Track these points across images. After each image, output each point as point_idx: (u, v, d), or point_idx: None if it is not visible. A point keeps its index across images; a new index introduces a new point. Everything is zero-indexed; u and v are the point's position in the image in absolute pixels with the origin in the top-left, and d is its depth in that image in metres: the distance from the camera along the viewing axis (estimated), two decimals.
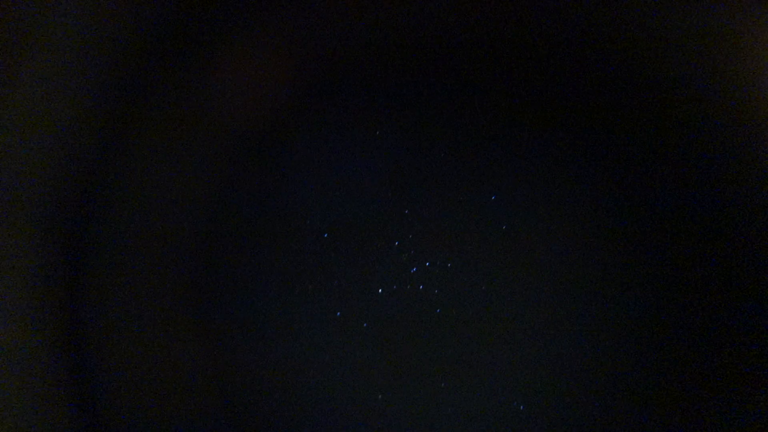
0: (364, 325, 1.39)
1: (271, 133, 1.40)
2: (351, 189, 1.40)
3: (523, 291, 1.39)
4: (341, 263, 1.39)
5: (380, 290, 1.39)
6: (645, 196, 1.38)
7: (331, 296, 1.39)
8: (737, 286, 1.32)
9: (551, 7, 1.32)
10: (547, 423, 1.38)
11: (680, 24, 1.26)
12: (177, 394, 1.36)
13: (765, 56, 1.22)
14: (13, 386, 1.14)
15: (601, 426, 1.37)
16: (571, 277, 1.38)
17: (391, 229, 1.39)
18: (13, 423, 1.12)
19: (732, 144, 1.31)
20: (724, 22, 1.22)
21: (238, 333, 1.39)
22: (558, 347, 1.38)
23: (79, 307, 1.30)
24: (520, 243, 1.39)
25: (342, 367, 1.39)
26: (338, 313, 1.39)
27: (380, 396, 1.38)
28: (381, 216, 1.40)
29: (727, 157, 1.32)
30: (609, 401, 1.37)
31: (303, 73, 1.38)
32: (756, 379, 1.30)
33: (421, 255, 1.39)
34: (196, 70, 1.32)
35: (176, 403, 1.36)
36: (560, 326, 1.38)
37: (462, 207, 1.39)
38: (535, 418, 1.38)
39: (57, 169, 1.21)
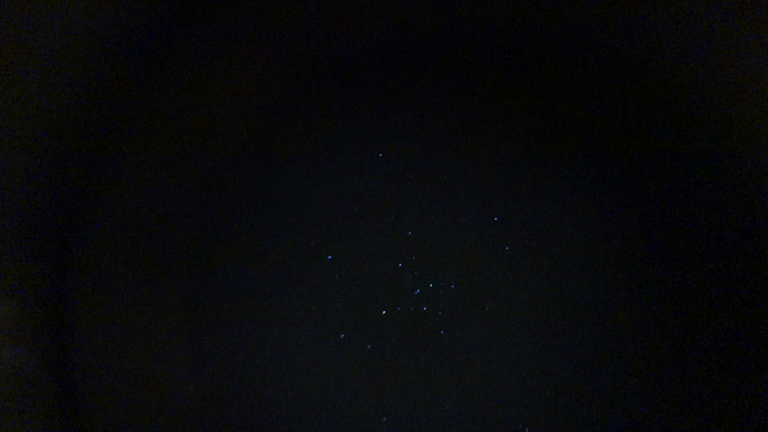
0: (368, 347, 1.38)
1: (273, 151, 1.41)
2: (355, 210, 1.40)
3: (526, 312, 1.39)
4: (345, 285, 1.39)
5: (384, 312, 1.39)
6: (655, 214, 1.38)
7: (335, 318, 1.39)
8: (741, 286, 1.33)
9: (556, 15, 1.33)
10: None
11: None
12: (168, 412, 1.35)
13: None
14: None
15: None
16: (576, 298, 1.38)
17: (394, 250, 1.40)
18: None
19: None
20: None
21: (239, 354, 1.38)
22: (564, 369, 1.38)
23: (66, 314, 1.29)
24: (523, 264, 1.39)
25: (345, 389, 1.38)
26: (342, 335, 1.38)
27: (384, 419, 1.38)
28: (384, 238, 1.40)
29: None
30: (618, 424, 1.37)
31: (302, 81, 1.39)
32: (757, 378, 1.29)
33: (425, 276, 1.39)
34: (190, 70, 1.32)
35: (166, 418, 1.35)
36: (566, 348, 1.38)
37: (465, 228, 1.39)
38: None
39: (46, 167, 1.20)
